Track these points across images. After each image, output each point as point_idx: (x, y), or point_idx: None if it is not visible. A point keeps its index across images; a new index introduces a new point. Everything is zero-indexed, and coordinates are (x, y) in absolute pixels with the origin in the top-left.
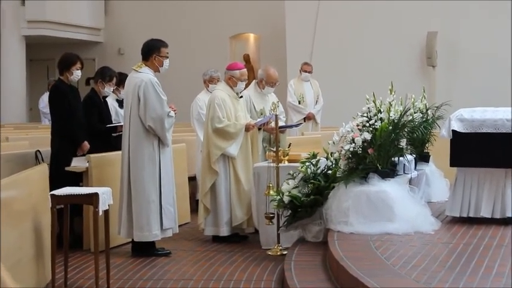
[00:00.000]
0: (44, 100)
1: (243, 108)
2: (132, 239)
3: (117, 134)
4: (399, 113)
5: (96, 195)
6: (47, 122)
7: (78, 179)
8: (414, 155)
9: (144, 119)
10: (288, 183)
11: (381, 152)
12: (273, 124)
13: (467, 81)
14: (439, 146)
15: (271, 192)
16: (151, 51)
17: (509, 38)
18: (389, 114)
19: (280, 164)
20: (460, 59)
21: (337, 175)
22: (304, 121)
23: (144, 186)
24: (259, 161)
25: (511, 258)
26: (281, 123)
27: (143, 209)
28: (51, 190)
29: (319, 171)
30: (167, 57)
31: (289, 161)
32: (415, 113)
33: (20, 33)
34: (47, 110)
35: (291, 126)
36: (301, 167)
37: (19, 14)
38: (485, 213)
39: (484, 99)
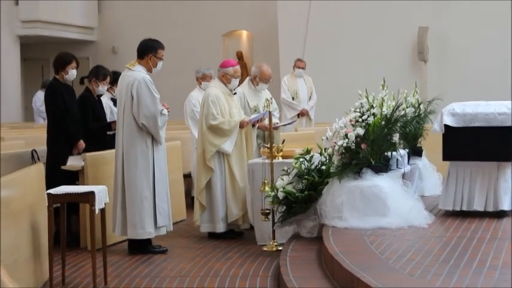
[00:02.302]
0: (40, 98)
1: (237, 105)
2: None
3: (112, 132)
4: (392, 108)
5: (92, 193)
6: (41, 121)
7: (74, 177)
8: (407, 150)
9: (138, 117)
10: (283, 179)
11: (374, 147)
12: (266, 121)
13: (459, 75)
14: (432, 141)
15: (266, 188)
16: (148, 50)
17: (500, 32)
18: (381, 110)
19: (274, 160)
20: (451, 53)
21: (331, 170)
22: (298, 117)
23: (137, 184)
24: (253, 157)
25: (504, 251)
26: (275, 120)
27: (136, 207)
28: (47, 189)
29: (313, 166)
30: (162, 59)
31: (283, 157)
32: (407, 107)
33: (14, 33)
34: (43, 108)
35: (284, 125)
36: (295, 163)
37: (13, 14)
38: (478, 206)
39: (475, 93)
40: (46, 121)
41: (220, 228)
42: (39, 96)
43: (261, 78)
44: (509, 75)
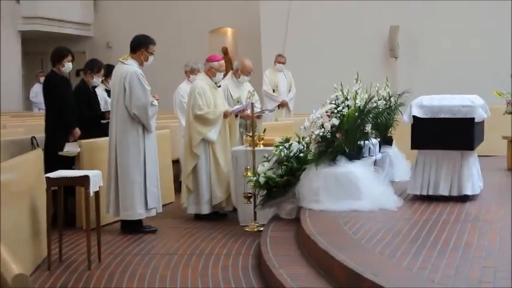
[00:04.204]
0: (34, 91)
1: (221, 97)
2: None
3: (106, 121)
4: (364, 101)
5: (87, 177)
6: (36, 110)
7: (70, 162)
8: (378, 139)
9: (130, 107)
10: (264, 166)
11: (348, 136)
12: (249, 111)
13: (427, 71)
14: (401, 131)
15: (248, 173)
16: (141, 45)
17: (466, 31)
18: (355, 102)
19: (256, 148)
20: (420, 50)
21: (308, 158)
22: (278, 108)
23: (129, 169)
24: (236, 145)
25: (466, 233)
26: (256, 111)
27: (128, 190)
28: (46, 173)
29: (291, 154)
30: (153, 54)
31: (264, 145)
32: (379, 100)
33: (16, 28)
34: (36, 99)
35: (263, 112)
36: (276, 151)
37: (15, 11)
38: (443, 191)
39: (442, 87)
40: (41, 111)
41: (205, 210)
42: (34, 89)
43: (242, 71)
44: (473, 71)
